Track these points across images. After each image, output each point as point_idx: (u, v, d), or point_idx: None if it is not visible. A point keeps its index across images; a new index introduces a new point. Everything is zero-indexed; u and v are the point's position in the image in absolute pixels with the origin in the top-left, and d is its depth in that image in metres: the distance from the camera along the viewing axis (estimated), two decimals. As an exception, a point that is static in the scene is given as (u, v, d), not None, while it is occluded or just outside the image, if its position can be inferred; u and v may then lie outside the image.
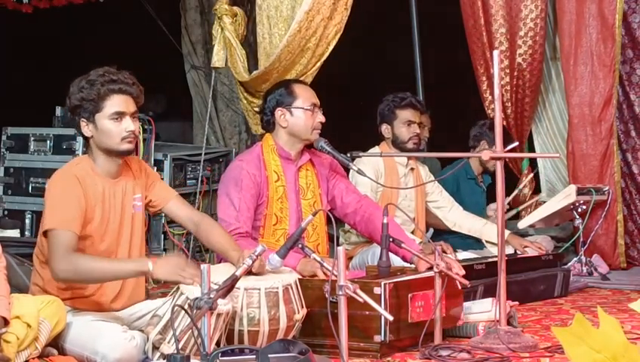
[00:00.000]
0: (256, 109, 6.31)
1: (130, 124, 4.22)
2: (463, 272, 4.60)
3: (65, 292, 4.21)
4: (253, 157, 4.99)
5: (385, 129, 6.03)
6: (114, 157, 4.25)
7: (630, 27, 7.04)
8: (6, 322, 3.88)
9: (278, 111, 5.02)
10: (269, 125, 5.08)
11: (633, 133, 7.14)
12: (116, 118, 4.20)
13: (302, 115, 4.99)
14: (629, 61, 7.08)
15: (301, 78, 6.01)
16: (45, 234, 4.11)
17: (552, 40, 7.38)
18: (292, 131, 5.00)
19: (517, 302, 5.10)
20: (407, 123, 5.98)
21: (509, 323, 4.58)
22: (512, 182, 7.36)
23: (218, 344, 3.94)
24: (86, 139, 4.30)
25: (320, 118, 5.01)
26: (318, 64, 6.16)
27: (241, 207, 4.81)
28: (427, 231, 6.40)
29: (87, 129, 4.23)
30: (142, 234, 4.38)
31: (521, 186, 7.26)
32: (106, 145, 4.22)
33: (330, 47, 6.13)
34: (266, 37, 6.23)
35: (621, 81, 6.99)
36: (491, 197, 6.61)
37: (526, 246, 6.08)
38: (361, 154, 5.44)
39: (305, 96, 5.02)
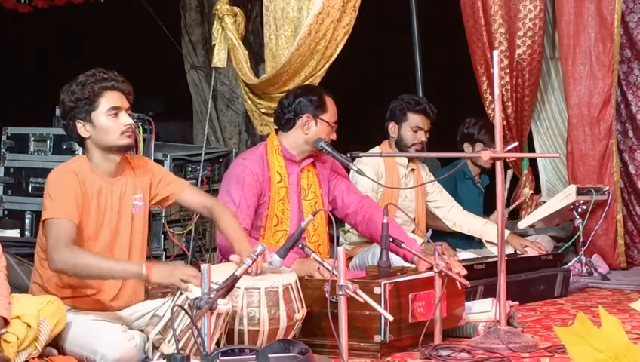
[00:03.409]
0: (263, 110, 6.31)
1: (127, 118, 4.24)
2: (465, 272, 4.60)
3: (64, 290, 4.21)
4: (256, 156, 4.98)
5: (392, 127, 6.02)
6: (113, 155, 4.25)
7: (628, 27, 7.04)
8: (6, 322, 3.88)
9: (306, 117, 5.01)
10: (287, 123, 5.04)
11: (631, 134, 7.13)
12: (113, 114, 4.21)
13: (324, 129, 5.01)
14: (626, 61, 7.07)
15: (310, 80, 6.04)
16: (44, 225, 4.11)
17: (552, 39, 7.38)
18: (310, 140, 5.00)
19: (517, 302, 5.10)
20: (415, 128, 5.97)
21: (509, 323, 4.58)
22: (512, 182, 7.37)
23: (218, 343, 3.94)
24: (81, 142, 4.29)
25: (333, 135, 5.06)
26: (327, 65, 6.18)
27: (241, 203, 4.81)
28: (427, 231, 6.40)
29: (83, 130, 4.23)
30: (143, 235, 4.36)
31: (518, 202, 7.28)
32: (106, 142, 4.22)
33: (339, 49, 6.15)
34: (273, 38, 6.24)
35: (619, 80, 6.98)
36: (490, 198, 6.61)
37: (526, 246, 6.08)
38: (361, 154, 5.43)
39: (332, 112, 5.06)
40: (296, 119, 5.01)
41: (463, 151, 6.79)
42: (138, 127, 6.24)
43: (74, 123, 4.24)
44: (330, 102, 5.07)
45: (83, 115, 4.22)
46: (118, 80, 4.27)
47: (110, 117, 4.22)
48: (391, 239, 4.56)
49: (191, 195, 4.48)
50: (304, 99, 5.03)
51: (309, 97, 5.04)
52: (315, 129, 5.01)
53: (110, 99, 4.22)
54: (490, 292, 5.01)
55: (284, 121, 5.04)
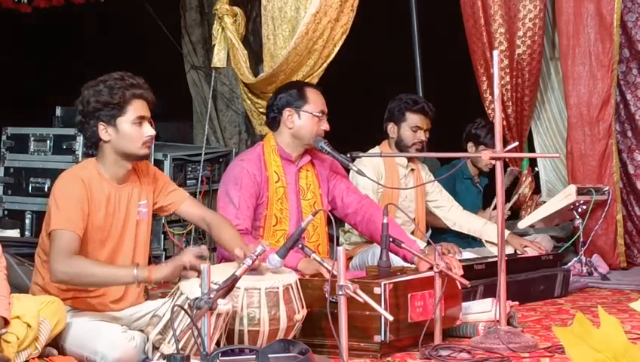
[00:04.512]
0: (261, 110, 6.31)
1: (150, 129, 4.24)
2: (461, 272, 4.60)
3: (66, 292, 4.20)
4: (253, 156, 4.98)
5: (391, 128, 6.01)
6: (128, 162, 4.24)
7: (626, 26, 7.04)
8: (6, 322, 3.88)
9: (287, 112, 5.00)
10: (274, 123, 5.05)
11: (629, 134, 7.13)
12: (138, 123, 4.20)
13: (308, 120, 4.98)
14: (625, 60, 7.07)
15: (307, 79, 6.02)
16: (49, 234, 4.10)
17: (552, 39, 7.39)
18: (296, 134, 5.00)
19: (517, 302, 5.10)
20: (414, 128, 5.96)
21: (509, 323, 4.58)
22: (513, 183, 7.37)
23: (218, 344, 3.94)
24: (96, 143, 4.25)
25: (325, 126, 5.01)
26: (324, 65, 6.18)
27: (240, 204, 4.81)
28: (427, 230, 6.40)
29: (105, 133, 4.19)
30: (147, 241, 4.36)
31: (519, 192, 7.29)
32: (127, 150, 4.21)
33: (337, 49, 6.14)
34: (271, 38, 6.24)
35: (617, 80, 6.98)
36: (489, 197, 6.62)
37: (526, 246, 6.08)
38: (361, 154, 5.42)
39: (315, 102, 5.01)
40: (280, 116, 5.02)
41: (466, 149, 6.79)
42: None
43: (95, 124, 4.19)
44: (312, 93, 5.04)
45: (108, 118, 4.18)
46: (145, 88, 4.25)
47: (135, 125, 4.20)
48: (391, 239, 4.56)
49: (190, 207, 4.48)
50: (283, 95, 5.05)
51: (287, 91, 5.06)
52: (299, 122, 4.99)
53: (137, 108, 4.21)
54: (490, 292, 5.01)
55: (271, 120, 5.07)
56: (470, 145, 6.81)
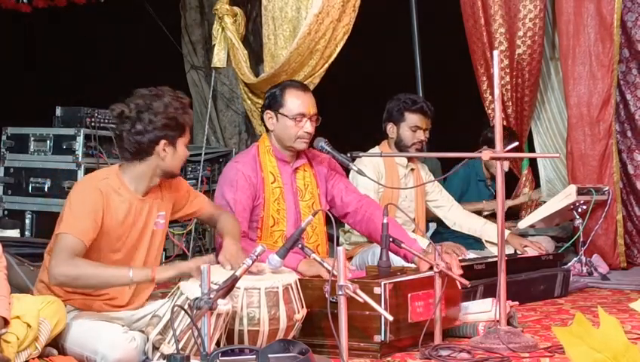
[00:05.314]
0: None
1: (186, 151, 4.29)
2: (461, 271, 4.59)
3: (71, 293, 4.19)
4: (249, 158, 4.97)
5: (390, 128, 6.01)
6: (159, 178, 4.25)
7: (626, 26, 7.04)
8: (6, 322, 3.88)
9: (267, 113, 4.99)
10: (263, 123, 5.07)
11: (629, 134, 7.14)
12: (187, 145, 4.27)
13: (286, 123, 4.93)
14: (624, 60, 7.08)
15: (309, 80, 6.02)
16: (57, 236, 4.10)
17: (552, 39, 7.39)
18: (277, 136, 4.98)
19: (517, 302, 5.10)
20: (413, 128, 5.96)
21: (509, 323, 4.58)
22: (512, 182, 7.38)
23: (218, 344, 3.94)
24: (138, 154, 4.17)
25: (306, 128, 4.90)
26: (326, 65, 6.18)
27: (237, 207, 4.80)
28: (427, 231, 6.40)
29: (163, 151, 4.17)
30: (160, 249, 4.36)
31: (524, 198, 7.31)
32: (171, 168, 4.23)
33: (338, 49, 6.15)
34: (271, 37, 6.25)
35: (617, 80, 6.98)
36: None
37: (526, 246, 6.08)
38: (361, 154, 5.41)
39: (294, 104, 4.92)
40: (264, 118, 5.01)
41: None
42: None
43: (157, 140, 4.15)
44: (291, 94, 4.96)
45: (172, 137, 4.18)
46: None
47: (185, 148, 4.26)
48: (391, 239, 4.56)
49: (209, 209, 4.55)
50: (267, 95, 5.05)
51: (270, 91, 5.04)
52: (277, 124, 4.96)
53: (189, 131, 4.29)
54: (490, 292, 5.01)
55: (262, 120, 5.08)
56: (485, 149, 6.80)
